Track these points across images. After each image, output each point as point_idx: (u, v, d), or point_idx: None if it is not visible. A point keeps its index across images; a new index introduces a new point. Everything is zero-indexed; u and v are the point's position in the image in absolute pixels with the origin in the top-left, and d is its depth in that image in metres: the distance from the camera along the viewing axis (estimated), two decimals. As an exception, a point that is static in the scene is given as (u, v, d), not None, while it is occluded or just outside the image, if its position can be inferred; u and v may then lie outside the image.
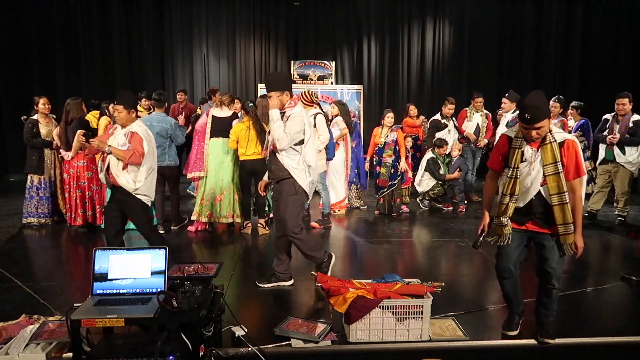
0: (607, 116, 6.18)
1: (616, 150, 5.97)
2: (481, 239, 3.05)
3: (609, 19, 10.44)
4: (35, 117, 5.99)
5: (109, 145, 3.84)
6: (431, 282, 3.17)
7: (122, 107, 3.85)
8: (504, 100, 7.11)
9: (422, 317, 3.00)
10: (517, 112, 3.05)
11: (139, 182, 3.88)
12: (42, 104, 5.99)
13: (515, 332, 3.18)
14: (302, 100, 5.90)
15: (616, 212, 6.33)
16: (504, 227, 2.95)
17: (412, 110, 8.13)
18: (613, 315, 3.69)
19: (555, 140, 2.79)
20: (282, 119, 3.74)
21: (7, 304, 3.64)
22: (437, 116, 7.64)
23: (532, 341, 3.12)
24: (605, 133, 6.05)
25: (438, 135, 7.40)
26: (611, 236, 5.72)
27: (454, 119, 7.65)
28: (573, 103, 7.20)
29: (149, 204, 4.07)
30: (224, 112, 5.71)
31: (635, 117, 5.90)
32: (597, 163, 6.32)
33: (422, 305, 3.00)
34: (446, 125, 7.51)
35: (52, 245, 5.45)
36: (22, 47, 9.65)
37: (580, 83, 10.60)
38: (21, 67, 9.65)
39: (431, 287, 3.09)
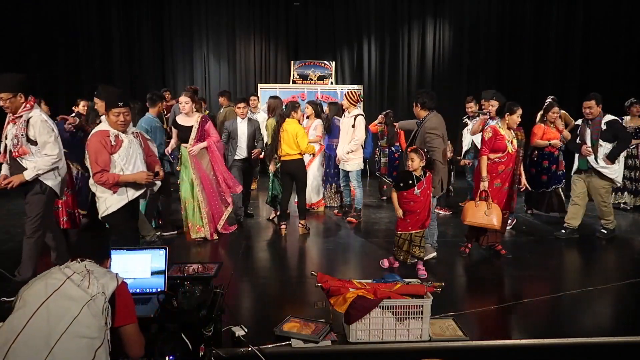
0: (579, 122, 5.63)
1: (590, 157, 5.36)
2: None
3: (609, 18, 10.43)
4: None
5: None
6: (431, 282, 3.17)
7: None
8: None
9: (422, 317, 3.01)
10: None
11: None
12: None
13: None
14: (348, 99, 6.05)
15: (601, 226, 5.64)
16: None
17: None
18: (613, 315, 3.69)
19: None
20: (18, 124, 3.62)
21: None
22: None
23: (532, 341, 3.13)
24: (578, 140, 5.51)
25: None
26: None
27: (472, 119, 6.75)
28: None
29: None
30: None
31: (607, 117, 5.34)
32: (572, 172, 5.66)
33: (422, 305, 3.00)
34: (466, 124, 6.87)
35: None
36: (22, 48, 9.64)
37: (581, 83, 10.58)
38: (20, 67, 9.63)
39: (431, 287, 3.09)
